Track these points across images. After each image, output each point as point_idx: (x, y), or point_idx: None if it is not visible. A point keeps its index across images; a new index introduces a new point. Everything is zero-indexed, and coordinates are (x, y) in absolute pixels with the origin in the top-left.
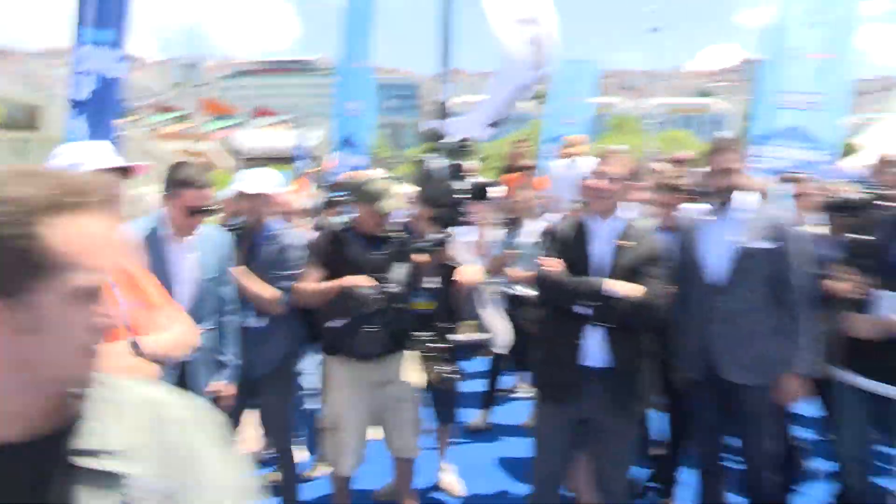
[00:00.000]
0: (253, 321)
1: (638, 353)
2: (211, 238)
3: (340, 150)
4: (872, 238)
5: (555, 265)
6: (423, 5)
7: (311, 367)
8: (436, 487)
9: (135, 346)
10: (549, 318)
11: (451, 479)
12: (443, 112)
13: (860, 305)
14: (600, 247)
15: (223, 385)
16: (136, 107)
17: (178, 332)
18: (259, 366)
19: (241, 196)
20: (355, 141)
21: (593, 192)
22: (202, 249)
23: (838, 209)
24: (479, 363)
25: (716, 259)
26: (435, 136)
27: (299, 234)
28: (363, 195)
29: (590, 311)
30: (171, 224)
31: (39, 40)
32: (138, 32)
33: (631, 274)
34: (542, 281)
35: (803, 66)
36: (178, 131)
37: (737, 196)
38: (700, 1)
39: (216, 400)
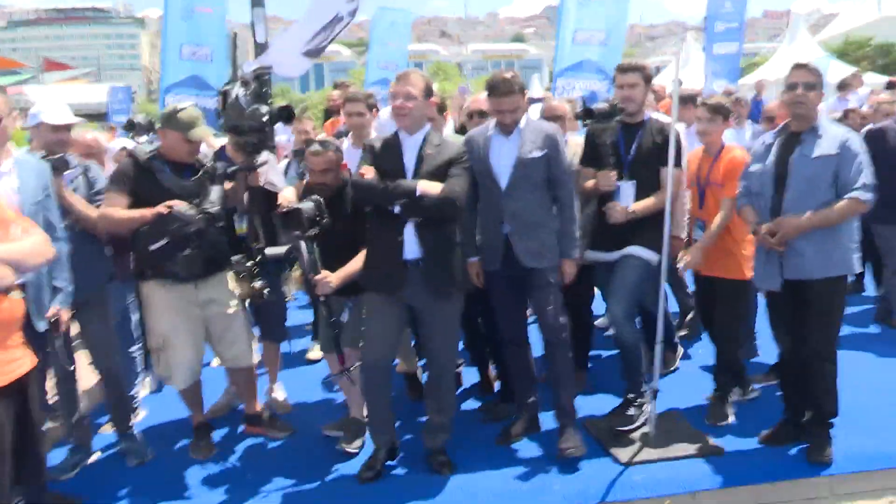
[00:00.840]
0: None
1: (447, 243)
2: (29, 164)
3: (174, 92)
4: (612, 140)
5: (369, 172)
6: None
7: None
8: (266, 405)
9: None
10: (370, 220)
11: (281, 397)
12: (261, 52)
13: (609, 196)
14: (409, 156)
15: (59, 310)
16: None
17: (33, 243)
18: (79, 290)
19: (44, 127)
20: (201, 83)
21: (395, 111)
22: (21, 175)
23: (587, 118)
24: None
25: (502, 168)
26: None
27: (98, 167)
28: (174, 123)
29: (399, 209)
30: None
31: None
32: None
33: (434, 176)
34: (357, 186)
35: (590, 7)
36: None
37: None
38: None
39: (54, 324)
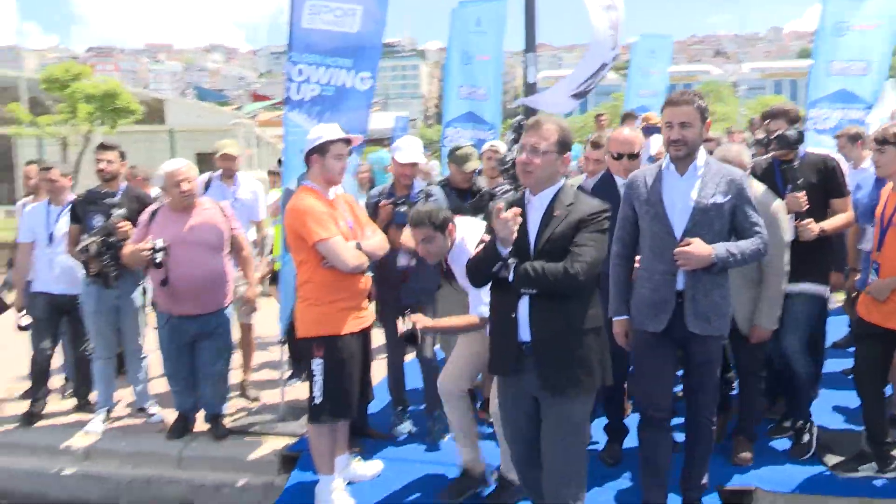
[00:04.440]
0: (404, 261)
1: (568, 326)
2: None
3: (453, 126)
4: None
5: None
6: None
7: None
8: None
9: (358, 245)
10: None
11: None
12: (532, 91)
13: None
14: (533, 218)
15: None
16: (231, 96)
17: (378, 240)
18: (411, 296)
19: (402, 164)
20: (476, 119)
21: (519, 167)
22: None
23: (779, 143)
24: None
25: (678, 212)
26: (526, 113)
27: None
28: (454, 158)
29: (511, 277)
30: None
31: (137, 37)
32: (227, 24)
33: (558, 242)
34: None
35: (849, 37)
36: (274, 118)
37: (697, 152)
38: None
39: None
